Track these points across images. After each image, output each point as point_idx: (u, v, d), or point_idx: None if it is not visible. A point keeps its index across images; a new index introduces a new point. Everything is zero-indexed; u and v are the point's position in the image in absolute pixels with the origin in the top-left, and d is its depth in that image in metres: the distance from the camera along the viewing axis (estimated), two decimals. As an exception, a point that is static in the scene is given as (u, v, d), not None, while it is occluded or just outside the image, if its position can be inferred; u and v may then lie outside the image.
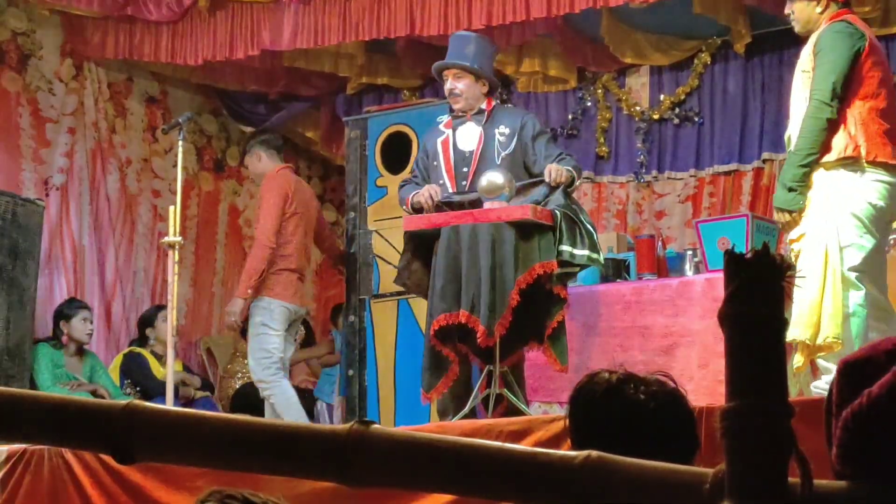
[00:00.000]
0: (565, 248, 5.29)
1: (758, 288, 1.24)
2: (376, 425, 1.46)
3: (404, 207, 5.79)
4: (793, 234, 4.80)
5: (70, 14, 7.64)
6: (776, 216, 4.74)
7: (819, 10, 4.78)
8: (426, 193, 5.55)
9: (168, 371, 6.20)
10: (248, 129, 8.64)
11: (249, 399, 7.33)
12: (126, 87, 8.26)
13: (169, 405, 5.79)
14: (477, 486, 1.41)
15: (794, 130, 4.74)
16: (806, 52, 4.76)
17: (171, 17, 7.48)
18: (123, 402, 1.57)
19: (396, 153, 6.81)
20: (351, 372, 6.83)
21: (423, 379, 5.46)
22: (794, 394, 4.58)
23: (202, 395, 7.64)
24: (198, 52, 7.52)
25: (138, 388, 7.26)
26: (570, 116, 8.01)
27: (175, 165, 6.60)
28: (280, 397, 6.49)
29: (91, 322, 7.23)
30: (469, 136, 5.72)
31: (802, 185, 4.59)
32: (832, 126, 4.57)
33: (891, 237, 5.26)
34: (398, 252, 5.91)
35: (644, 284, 6.24)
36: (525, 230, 5.30)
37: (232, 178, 8.84)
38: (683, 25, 7.48)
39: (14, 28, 7.61)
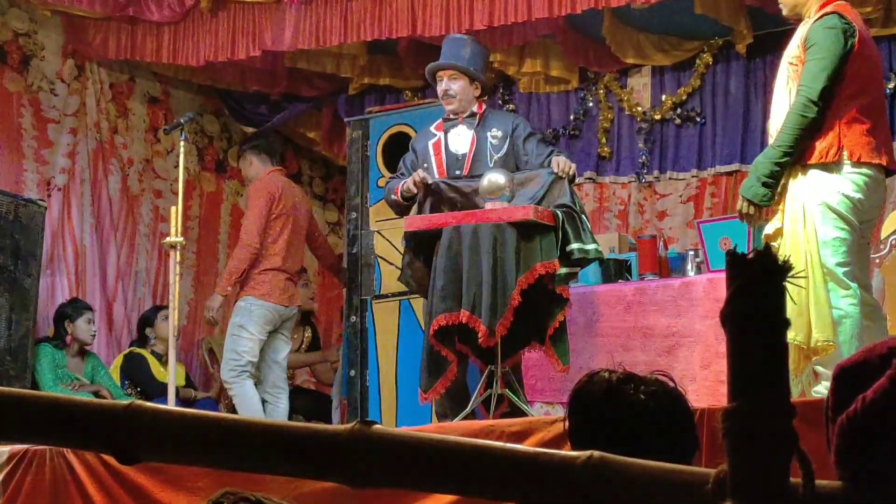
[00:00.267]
0: (574, 246, 5.30)
1: (759, 288, 1.24)
2: (378, 425, 1.46)
3: (393, 196, 5.78)
4: (768, 230, 4.76)
5: (72, 15, 7.64)
6: (739, 204, 4.62)
7: None
8: (416, 176, 5.57)
9: (170, 371, 6.20)
10: (250, 130, 8.65)
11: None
12: (128, 87, 8.27)
13: (170, 406, 5.80)
14: (478, 487, 1.41)
15: (776, 121, 4.70)
16: (794, 43, 4.66)
17: (173, 18, 7.48)
18: (125, 402, 1.57)
19: (398, 154, 6.80)
20: (353, 372, 6.84)
21: (420, 379, 5.47)
22: (795, 394, 4.57)
23: (203, 396, 7.65)
24: (199, 52, 7.52)
25: (139, 389, 7.27)
26: (571, 117, 8.01)
27: (177, 166, 6.60)
28: (240, 398, 6.56)
29: (94, 323, 7.24)
30: (461, 139, 5.74)
31: (776, 181, 4.52)
32: (815, 126, 4.50)
33: (891, 238, 5.25)
34: (400, 252, 5.92)
35: (646, 285, 6.24)
36: (526, 230, 5.29)
37: (234, 179, 8.84)
38: (685, 26, 7.48)
39: (16, 29, 7.62)
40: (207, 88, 8.66)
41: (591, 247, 5.34)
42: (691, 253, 6.48)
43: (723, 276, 1.29)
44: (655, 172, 7.79)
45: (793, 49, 4.66)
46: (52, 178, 7.65)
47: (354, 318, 6.88)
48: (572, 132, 7.99)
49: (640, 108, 7.82)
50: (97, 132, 7.94)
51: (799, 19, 4.81)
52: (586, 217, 5.47)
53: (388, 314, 6.77)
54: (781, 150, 4.50)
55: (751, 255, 1.25)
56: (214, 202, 8.70)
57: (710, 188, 7.62)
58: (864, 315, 4.56)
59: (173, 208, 6.18)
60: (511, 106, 8.05)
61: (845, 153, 4.50)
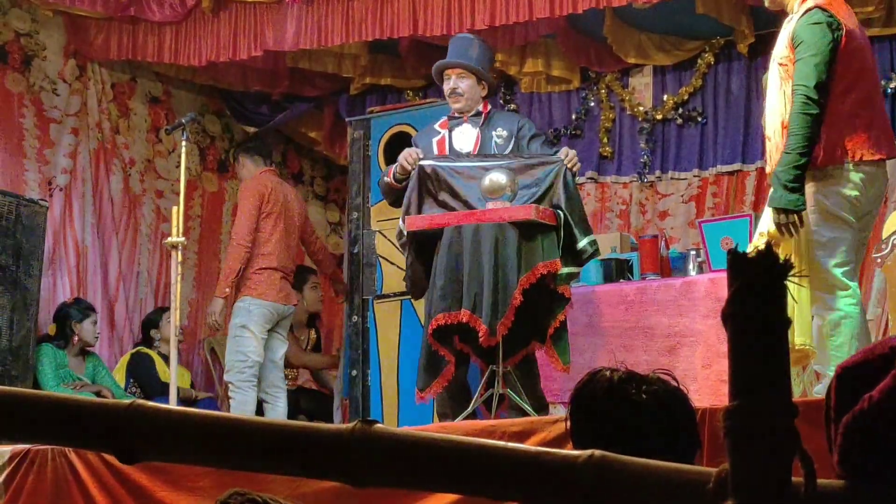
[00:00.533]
0: (584, 242, 5.31)
1: (761, 287, 1.24)
2: (379, 424, 1.46)
3: (385, 178, 5.76)
4: (762, 227, 4.74)
5: (73, 15, 7.64)
6: (775, 217, 4.51)
7: None
8: (410, 156, 5.56)
9: (171, 371, 6.20)
10: (252, 130, 8.65)
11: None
12: (129, 87, 8.27)
13: (171, 405, 5.80)
14: (480, 486, 1.41)
15: (769, 121, 4.67)
16: (782, 43, 4.64)
17: (175, 18, 7.48)
18: (127, 401, 1.57)
19: (399, 153, 6.81)
20: (354, 372, 6.84)
21: (418, 378, 5.47)
22: (797, 394, 4.57)
23: (205, 396, 7.65)
24: (201, 52, 7.52)
25: (141, 388, 7.28)
26: (573, 117, 8.00)
27: (178, 166, 6.61)
28: (238, 406, 6.55)
29: (98, 324, 7.27)
30: (466, 138, 5.74)
31: (801, 185, 4.46)
32: (820, 122, 4.47)
33: (893, 238, 5.24)
34: (401, 252, 5.91)
35: (647, 284, 6.24)
36: (528, 230, 5.29)
37: (235, 179, 8.82)
38: (686, 25, 7.48)
39: (17, 29, 7.62)
40: (209, 88, 8.66)
41: (592, 237, 5.37)
42: (693, 253, 6.48)
43: (724, 275, 1.29)
44: (657, 172, 7.79)
45: (781, 49, 4.64)
46: (53, 178, 7.65)
47: (356, 317, 6.89)
48: (574, 132, 7.99)
49: (641, 108, 7.82)
50: (99, 132, 7.95)
51: (782, 11, 4.80)
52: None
53: (389, 314, 6.77)
54: (797, 153, 4.44)
55: (752, 255, 1.25)
56: (216, 202, 8.70)
57: (711, 188, 7.62)
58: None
59: (175, 208, 6.18)
60: (512, 106, 8.05)
61: (848, 155, 4.48)
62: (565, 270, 5.30)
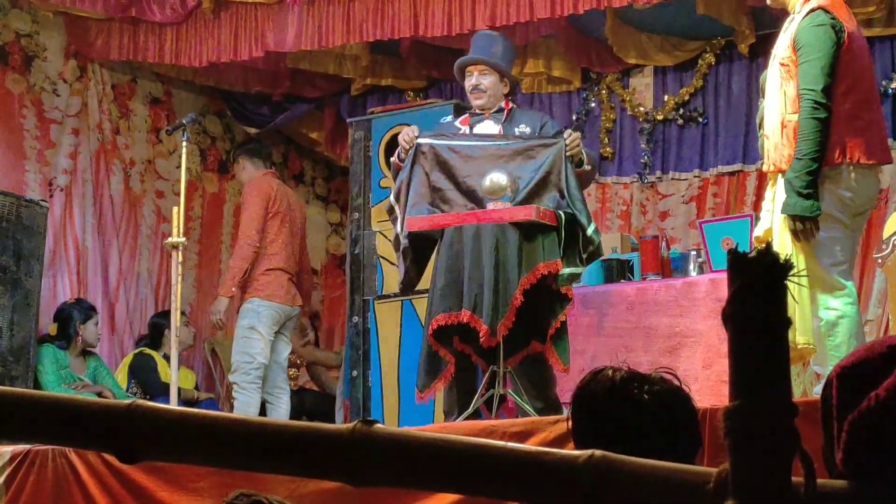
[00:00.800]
0: (591, 230, 5.31)
1: (761, 287, 1.24)
2: (379, 424, 1.46)
3: (393, 160, 5.73)
4: (757, 231, 4.74)
5: (74, 15, 7.64)
6: (790, 224, 4.47)
7: None
8: (406, 133, 5.55)
9: (172, 371, 6.20)
10: (253, 131, 8.65)
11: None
12: (130, 88, 8.27)
13: (172, 406, 5.80)
14: (480, 486, 1.41)
15: (768, 120, 4.68)
16: (784, 43, 4.63)
17: (175, 19, 7.48)
18: (127, 401, 1.57)
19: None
20: (355, 372, 6.84)
21: (418, 378, 5.46)
22: (797, 394, 4.57)
23: (206, 397, 7.65)
24: (202, 53, 7.52)
25: (142, 389, 7.28)
26: (574, 117, 8.00)
27: (179, 167, 6.61)
28: (242, 406, 6.53)
29: (99, 325, 7.28)
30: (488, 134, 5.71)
31: (815, 190, 4.44)
32: (828, 125, 4.48)
33: (893, 238, 5.24)
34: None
35: (648, 285, 6.24)
36: (528, 230, 5.29)
37: (236, 180, 8.84)
38: (687, 26, 7.48)
39: (18, 29, 7.62)
40: (210, 89, 8.66)
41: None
42: (693, 253, 6.48)
43: (725, 276, 1.28)
44: (658, 173, 7.79)
45: (783, 49, 4.63)
46: (54, 179, 7.65)
47: (357, 318, 6.89)
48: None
49: (642, 109, 7.82)
50: (99, 133, 7.95)
51: (783, 10, 4.80)
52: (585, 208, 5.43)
53: (390, 314, 6.78)
54: (809, 158, 4.43)
55: (752, 255, 1.25)
56: (217, 203, 8.70)
57: (712, 188, 7.62)
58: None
59: (175, 209, 6.18)
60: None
61: (847, 156, 4.48)
62: (567, 271, 5.28)
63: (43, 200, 7.25)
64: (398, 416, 6.63)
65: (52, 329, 7.14)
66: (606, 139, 7.91)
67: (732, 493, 1.21)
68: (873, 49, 6.98)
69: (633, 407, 2.12)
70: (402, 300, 6.70)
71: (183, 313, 7.60)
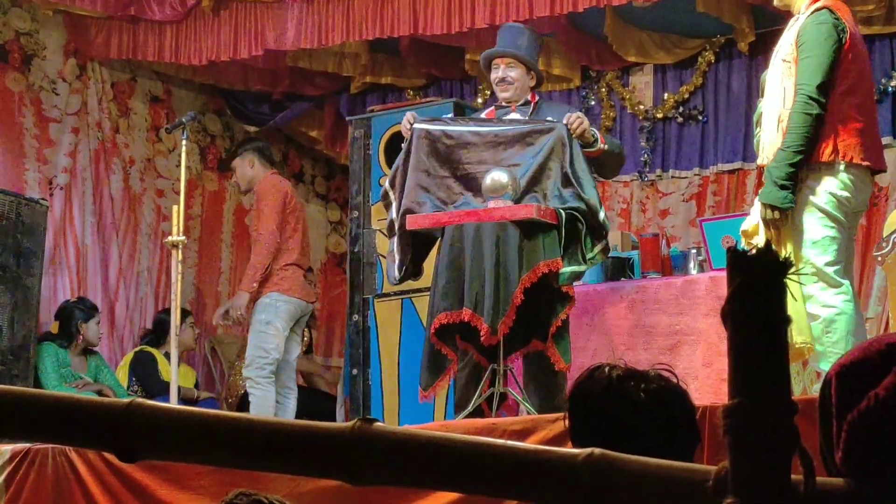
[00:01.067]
0: (603, 215, 5.29)
1: (761, 286, 1.24)
2: (379, 423, 1.46)
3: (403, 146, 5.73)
4: (745, 226, 4.75)
5: (73, 14, 7.64)
6: (763, 213, 4.54)
7: None
8: (406, 121, 5.54)
9: (172, 369, 6.20)
10: (252, 129, 8.65)
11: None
12: (129, 86, 8.27)
13: (173, 404, 5.79)
14: (479, 484, 1.41)
15: (766, 116, 4.69)
16: (787, 41, 4.65)
17: (175, 17, 7.48)
18: (126, 400, 1.57)
19: (400, 152, 6.82)
20: (355, 371, 6.84)
21: (421, 377, 5.45)
22: (797, 392, 4.57)
23: (206, 396, 7.65)
24: (201, 51, 7.53)
25: (142, 387, 7.28)
26: (573, 115, 8.00)
27: (179, 165, 6.61)
28: (260, 401, 6.53)
29: (100, 324, 7.28)
30: None
31: (793, 182, 4.48)
32: (819, 123, 4.50)
33: (893, 236, 5.25)
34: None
35: (648, 283, 6.23)
36: (529, 229, 5.28)
37: (236, 174, 8.83)
38: (687, 24, 7.48)
39: (17, 28, 7.62)
40: (209, 87, 8.66)
41: (597, 250, 5.32)
42: (693, 251, 6.48)
43: (725, 274, 1.28)
44: (658, 171, 7.79)
45: (786, 47, 4.65)
46: (53, 178, 7.65)
47: (357, 316, 6.89)
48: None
49: (642, 107, 7.82)
50: (99, 131, 7.95)
51: (789, 11, 4.81)
52: (596, 204, 5.38)
53: (390, 312, 6.77)
54: (792, 151, 4.47)
55: (752, 253, 1.25)
56: (216, 201, 8.70)
57: (712, 186, 7.62)
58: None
59: (175, 207, 6.18)
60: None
61: (840, 154, 4.50)
62: (568, 269, 5.27)
63: (43, 199, 7.25)
64: (398, 414, 6.63)
65: (53, 327, 7.14)
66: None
67: (732, 490, 1.21)
68: (873, 47, 7.00)
69: (630, 405, 2.12)
70: (402, 298, 6.70)
71: (189, 313, 7.61)
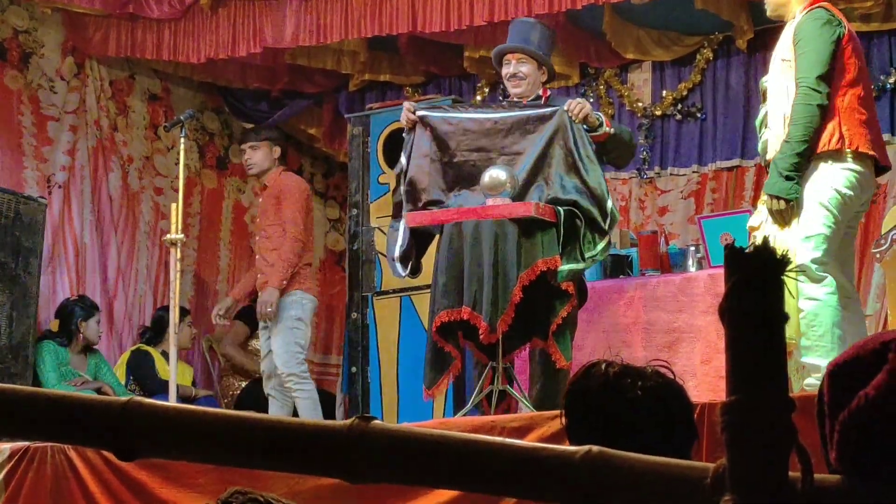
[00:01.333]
0: (610, 203, 5.29)
1: (758, 282, 1.24)
2: (377, 421, 1.46)
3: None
4: (753, 221, 4.78)
5: (71, 12, 7.64)
6: (769, 204, 4.58)
7: None
8: (406, 110, 5.54)
9: (171, 368, 6.20)
10: (251, 127, 8.65)
11: (254, 396, 7.35)
12: (128, 84, 8.26)
13: (171, 403, 5.79)
14: (477, 482, 1.41)
15: (772, 116, 4.71)
16: (785, 40, 4.69)
17: (173, 15, 7.48)
18: (124, 398, 1.56)
19: (399, 150, 6.81)
20: (354, 369, 6.84)
21: (424, 375, 5.45)
22: (796, 389, 4.57)
23: (204, 394, 7.64)
24: (200, 49, 7.52)
25: (140, 386, 7.28)
26: (572, 113, 7.99)
27: (177, 163, 6.60)
28: (310, 397, 6.56)
29: (100, 322, 7.28)
30: None
31: (799, 174, 4.51)
32: (822, 114, 4.53)
33: (892, 233, 5.25)
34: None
35: (647, 280, 6.24)
36: (527, 226, 5.28)
37: (235, 176, 8.84)
38: (685, 21, 7.48)
39: (15, 26, 7.61)
40: (208, 85, 8.66)
41: (599, 247, 5.31)
42: (692, 248, 6.48)
43: (723, 271, 1.28)
44: (656, 168, 7.79)
45: (784, 47, 4.70)
46: (52, 176, 7.65)
47: (355, 314, 6.89)
48: (573, 128, 7.98)
49: (640, 104, 7.81)
50: (97, 129, 7.94)
51: (782, 20, 4.85)
52: (601, 194, 5.36)
53: (389, 310, 6.78)
54: (797, 141, 4.51)
55: (749, 250, 1.25)
56: (215, 199, 8.70)
57: (710, 183, 7.62)
58: (842, 305, 4.58)
59: (174, 205, 6.18)
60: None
61: (846, 141, 4.52)
62: (566, 267, 5.26)
63: (41, 197, 7.25)
64: (397, 412, 6.63)
65: (53, 325, 7.14)
66: (605, 135, 7.91)
67: (730, 487, 1.21)
68: (871, 44, 7.01)
69: (627, 402, 2.12)
70: (400, 296, 6.70)
71: (187, 313, 7.60)
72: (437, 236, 5.51)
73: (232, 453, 1.54)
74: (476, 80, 8.12)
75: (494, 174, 5.36)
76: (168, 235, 6.15)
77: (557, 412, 2.27)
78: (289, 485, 4.35)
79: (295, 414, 7.04)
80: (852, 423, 1.36)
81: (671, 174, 7.77)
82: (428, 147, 5.49)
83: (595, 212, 5.29)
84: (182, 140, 6.40)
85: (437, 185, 5.48)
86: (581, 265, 5.33)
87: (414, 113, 5.56)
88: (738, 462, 1.22)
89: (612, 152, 5.55)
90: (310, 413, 6.44)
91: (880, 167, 4.71)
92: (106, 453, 4.65)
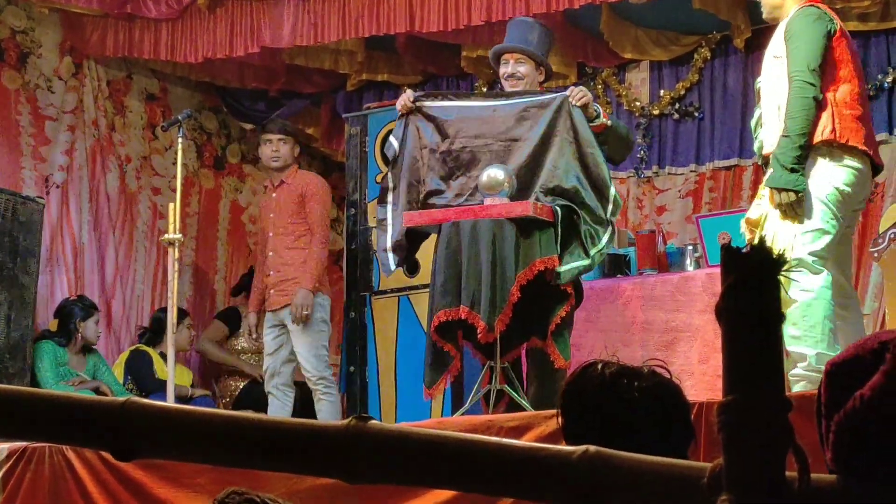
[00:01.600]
0: (613, 191, 5.29)
1: (755, 282, 1.24)
2: (374, 421, 1.46)
3: None
4: (752, 214, 4.78)
5: (69, 12, 7.63)
6: (777, 197, 4.55)
7: None
8: (405, 100, 5.54)
9: (169, 368, 6.20)
10: (249, 127, 8.65)
11: (253, 396, 7.35)
12: (125, 84, 8.26)
13: (168, 403, 5.79)
14: (475, 482, 1.41)
15: (766, 112, 4.72)
16: (777, 38, 4.72)
17: (171, 15, 7.48)
18: (122, 398, 1.56)
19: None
20: (352, 368, 6.84)
21: (424, 374, 5.45)
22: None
23: (200, 394, 7.63)
24: (198, 49, 7.52)
25: (138, 386, 7.27)
26: (570, 112, 7.99)
27: (175, 163, 6.59)
28: (335, 402, 6.59)
29: (99, 323, 7.27)
30: None
31: (802, 165, 4.52)
32: (816, 105, 4.54)
33: (890, 232, 5.26)
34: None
35: (645, 280, 6.24)
36: (525, 226, 5.28)
37: (232, 176, 8.84)
38: (683, 20, 7.48)
39: (13, 26, 7.61)
40: (205, 85, 8.65)
41: (602, 242, 5.31)
42: (690, 248, 6.48)
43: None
44: (654, 167, 7.79)
45: (776, 44, 4.73)
46: (50, 176, 7.64)
47: (353, 313, 6.89)
48: (571, 127, 7.98)
49: (638, 104, 7.81)
50: (95, 129, 7.94)
51: (777, 22, 4.86)
52: (603, 186, 5.36)
53: (387, 310, 6.77)
54: (796, 135, 4.52)
55: (746, 249, 1.25)
56: (213, 199, 8.69)
57: (708, 183, 7.62)
58: (838, 303, 4.59)
59: (171, 205, 6.17)
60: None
61: (838, 133, 4.54)
62: (566, 267, 5.25)
63: (39, 197, 7.24)
64: (395, 411, 6.63)
65: (51, 325, 7.14)
66: (603, 134, 7.91)
67: (727, 487, 1.21)
68: (869, 43, 7.01)
69: (624, 402, 2.11)
70: (398, 296, 6.70)
71: (187, 314, 7.59)
72: (436, 236, 5.51)
73: (230, 453, 1.54)
74: (474, 79, 8.12)
75: (492, 174, 5.35)
76: (166, 235, 6.14)
77: (554, 412, 2.26)
78: (287, 485, 4.34)
79: (297, 414, 7.04)
80: (847, 425, 1.36)
81: (669, 173, 7.77)
82: (429, 139, 5.49)
83: (596, 200, 5.29)
84: (180, 140, 6.40)
85: (436, 174, 5.48)
86: (587, 262, 5.29)
87: (413, 102, 5.55)
88: (734, 461, 1.22)
89: (609, 145, 5.55)
90: (330, 419, 6.44)
91: (875, 166, 4.72)
92: (104, 453, 4.65)
